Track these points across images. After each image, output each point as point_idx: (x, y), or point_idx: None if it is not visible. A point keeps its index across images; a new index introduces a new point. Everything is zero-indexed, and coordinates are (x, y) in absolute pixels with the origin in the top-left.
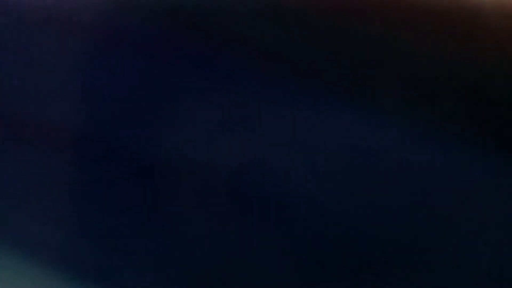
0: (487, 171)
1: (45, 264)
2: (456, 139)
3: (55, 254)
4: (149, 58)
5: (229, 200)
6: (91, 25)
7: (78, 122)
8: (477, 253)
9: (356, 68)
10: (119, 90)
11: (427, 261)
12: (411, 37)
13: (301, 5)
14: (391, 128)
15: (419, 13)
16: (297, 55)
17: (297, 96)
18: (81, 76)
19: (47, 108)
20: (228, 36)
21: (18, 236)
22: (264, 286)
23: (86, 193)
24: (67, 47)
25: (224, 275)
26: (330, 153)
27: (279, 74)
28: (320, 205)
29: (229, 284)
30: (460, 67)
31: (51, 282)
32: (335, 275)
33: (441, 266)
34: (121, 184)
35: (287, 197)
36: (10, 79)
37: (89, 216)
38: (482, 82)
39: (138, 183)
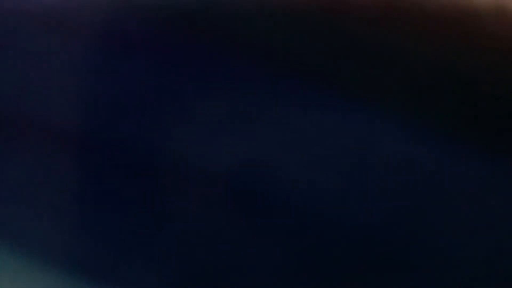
0: (485, 171)
1: (45, 264)
2: (454, 138)
3: (55, 253)
4: (149, 58)
5: (228, 200)
6: (93, 27)
7: (79, 123)
8: (476, 253)
9: (354, 67)
10: (120, 91)
11: (427, 262)
12: (409, 38)
13: (300, 5)
14: (391, 128)
15: (417, 14)
16: (297, 54)
17: (296, 95)
18: (84, 77)
19: (48, 109)
20: (228, 37)
21: (18, 236)
22: (264, 286)
23: (86, 192)
24: (69, 48)
25: (224, 275)
26: (330, 153)
27: (278, 74)
28: (320, 205)
29: (230, 284)
30: (458, 67)
31: (51, 282)
32: (337, 276)
33: (441, 267)
34: (121, 184)
35: (285, 197)
36: (12, 80)
37: (89, 216)
38: (481, 81)
39: (139, 183)
